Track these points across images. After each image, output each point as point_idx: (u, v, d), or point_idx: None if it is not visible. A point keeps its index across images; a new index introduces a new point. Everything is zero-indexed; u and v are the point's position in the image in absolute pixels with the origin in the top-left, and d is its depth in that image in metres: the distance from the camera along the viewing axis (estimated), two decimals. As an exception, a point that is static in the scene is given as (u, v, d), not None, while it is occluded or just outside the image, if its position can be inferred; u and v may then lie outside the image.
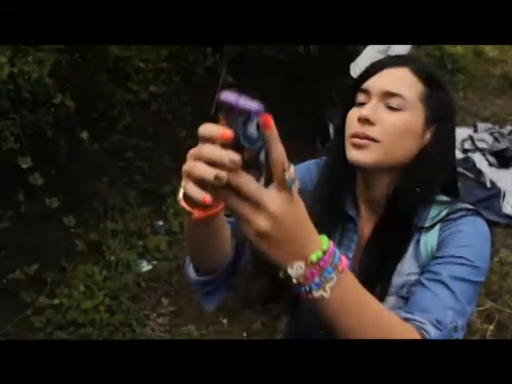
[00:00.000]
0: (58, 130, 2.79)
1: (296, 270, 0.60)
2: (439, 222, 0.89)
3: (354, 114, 0.90)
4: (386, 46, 3.69)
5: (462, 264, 0.83)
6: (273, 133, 0.54)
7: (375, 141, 0.87)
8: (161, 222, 3.23)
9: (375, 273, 0.89)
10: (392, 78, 0.90)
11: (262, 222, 0.56)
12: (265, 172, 0.57)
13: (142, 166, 3.29)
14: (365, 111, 0.88)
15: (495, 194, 3.59)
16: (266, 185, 0.57)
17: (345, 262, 0.63)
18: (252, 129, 0.54)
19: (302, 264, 0.59)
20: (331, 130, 4.04)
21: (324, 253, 0.60)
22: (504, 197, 3.55)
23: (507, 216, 3.42)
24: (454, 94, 0.90)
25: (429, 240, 0.89)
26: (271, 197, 0.56)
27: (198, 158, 0.56)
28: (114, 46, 3.17)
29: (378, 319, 0.68)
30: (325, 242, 0.61)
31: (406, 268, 0.89)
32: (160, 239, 3.10)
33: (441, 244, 0.87)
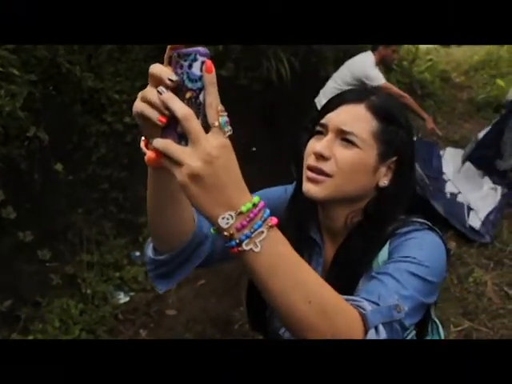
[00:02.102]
0: (31, 162, 2.76)
1: (226, 220, 0.61)
2: (389, 238, 0.93)
3: (311, 145, 0.94)
4: (350, 77, 3.77)
5: (409, 262, 0.84)
6: (212, 77, 0.61)
7: (328, 175, 0.90)
8: (138, 253, 3.20)
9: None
10: (347, 115, 0.92)
11: (194, 162, 0.58)
12: (203, 111, 0.62)
13: (117, 197, 3.27)
14: (319, 147, 0.91)
15: (458, 203, 3.67)
16: (204, 124, 0.61)
17: (275, 220, 0.64)
18: (196, 69, 0.62)
19: (232, 213, 0.61)
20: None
21: (254, 205, 0.62)
22: (470, 209, 3.63)
23: (472, 228, 3.49)
24: (413, 130, 0.92)
25: (380, 255, 0.92)
26: (208, 138, 0.59)
27: (144, 100, 0.63)
28: (88, 78, 3.18)
29: (309, 285, 0.66)
30: (256, 197, 0.63)
31: (361, 284, 0.91)
32: (137, 270, 3.07)
33: (390, 253, 0.91)
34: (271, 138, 4.22)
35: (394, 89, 3.86)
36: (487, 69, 7.56)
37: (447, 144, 5.07)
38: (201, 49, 0.63)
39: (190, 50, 0.63)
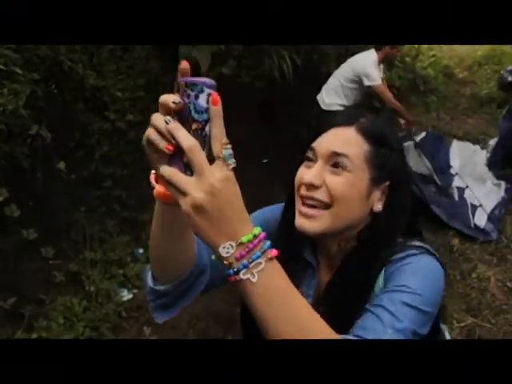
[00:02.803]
0: (34, 160, 2.77)
1: (226, 249, 0.63)
2: (384, 264, 0.89)
3: (301, 174, 0.91)
4: (352, 74, 3.79)
5: (403, 291, 0.82)
6: (218, 109, 0.62)
7: (322, 204, 0.87)
8: (141, 250, 3.21)
9: (332, 320, 0.89)
10: (338, 138, 0.89)
11: (198, 193, 0.60)
12: (208, 143, 0.64)
13: (120, 195, 3.27)
14: (308, 176, 0.88)
15: (462, 204, 3.67)
16: (209, 156, 0.63)
17: (274, 252, 0.65)
18: (202, 101, 0.63)
19: (232, 243, 0.62)
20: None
21: (254, 236, 0.64)
22: (475, 208, 3.62)
23: (477, 227, 3.48)
24: (404, 152, 0.88)
25: (376, 283, 0.89)
26: (212, 170, 0.61)
27: (153, 126, 0.65)
28: (90, 76, 3.20)
29: (302, 319, 0.67)
30: (257, 228, 0.65)
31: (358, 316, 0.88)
32: (140, 267, 3.07)
33: (386, 281, 0.87)
34: (273, 135, 4.21)
35: (387, 93, 3.85)
36: (490, 64, 7.52)
37: (451, 140, 5.05)
38: (207, 81, 0.63)
39: (197, 80, 0.63)
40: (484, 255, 3.29)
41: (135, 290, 2.96)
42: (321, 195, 0.87)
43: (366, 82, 3.70)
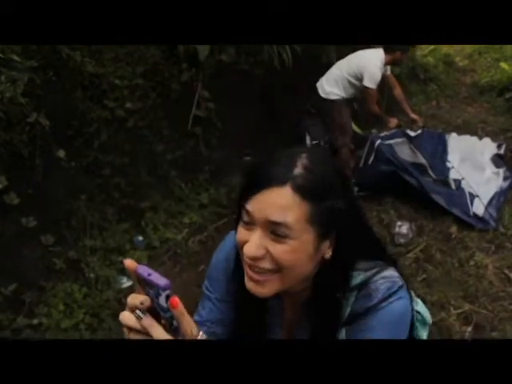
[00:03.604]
0: (33, 148, 2.77)
1: None
2: (355, 289, 0.88)
3: (242, 235, 0.84)
4: (356, 69, 3.79)
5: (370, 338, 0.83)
6: (179, 310, 0.65)
7: (269, 270, 0.82)
8: (140, 238, 3.22)
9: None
10: (273, 205, 0.78)
11: None
12: (181, 333, 0.67)
13: (119, 183, 3.28)
14: (249, 250, 0.81)
15: (460, 194, 3.67)
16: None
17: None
18: (162, 301, 0.64)
19: None
20: (308, 140, 4.10)
21: None
22: (473, 197, 3.63)
23: (476, 216, 3.49)
24: (350, 192, 0.85)
25: (347, 302, 0.88)
26: None
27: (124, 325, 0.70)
28: (89, 63, 3.19)
29: None
30: None
31: None
32: (140, 255, 3.09)
33: (352, 315, 0.87)
34: (272, 122, 4.21)
35: (373, 98, 3.85)
36: (491, 52, 7.48)
37: (450, 128, 5.05)
38: (161, 282, 0.63)
39: (152, 281, 0.64)
40: (482, 243, 3.30)
41: (135, 278, 2.98)
42: (266, 264, 0.81)
43: (365, 82, 3.72)
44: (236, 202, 0.87)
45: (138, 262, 2.58)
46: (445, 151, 4.18)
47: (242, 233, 0.84)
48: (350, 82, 3.83)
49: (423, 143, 4.07)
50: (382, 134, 4.02)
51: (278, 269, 0.81)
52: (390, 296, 0.85)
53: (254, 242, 0.80)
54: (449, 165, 4.02)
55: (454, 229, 3.43)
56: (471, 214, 3.50)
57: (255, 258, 0.81)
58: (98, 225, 3.08)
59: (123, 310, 0.70)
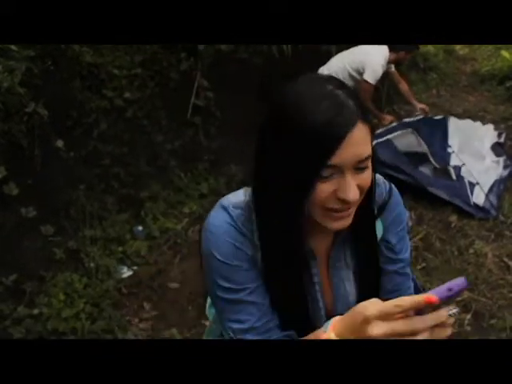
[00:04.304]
0: (31, 138, 2.76)
1: None
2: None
3: (325, 189, 0.81)
4: (358, 63, 3.78)
5: (404, 228, 1.03)
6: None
7: (356, 202, 0.85)
8: (140, 228, 3.23)
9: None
10: (360, 142, 0.79)
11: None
12: None
13: (118, 173, 3.28)
14: (353, 196, 0.81)
15: (461, 184, 3.67)
16: None
17: None
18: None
19: None
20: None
21: None
22: (473, 185, 3.62)
23: (476, 206, 3.49)
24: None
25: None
26: None
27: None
28: (87, 53, 3.17)
29: None
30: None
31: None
32: (140, 244, 3.10)
33: (386, 229, 1.02)
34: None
35: (368, 94, 3.86)
36: (492, 40, 7.43)
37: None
38: (463, 285, 0.68)
39: (455, 293, 0.68)
40: (481, 231, 3.30)
41: (135, 267, 2.99)
42: (355, 203, 0.85)
43: (365, 76, 3.71)
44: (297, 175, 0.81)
45: (138, 252, 2.57)
46: (445, 136, 4.16)
47: (322, 188, 0.81)
48: (350, 75, 3.82)
49: (423, 129, 4.06)
50: (379, 131, 3.98)
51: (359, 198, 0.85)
52: (389, 189, 1.03)
53: (352, 187, 0.81)
54: (449, 150, 4.00)
55: (453, 217, 3.43)
56: (471, 203, 3.49)
57: (355, 200, 0.83)
58: (97, 215, 3.08)
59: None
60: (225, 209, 0.92)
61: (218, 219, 0.92)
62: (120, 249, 3.02)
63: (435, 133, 4.14)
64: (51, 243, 2.81)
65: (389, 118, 4.14)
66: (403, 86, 4.29)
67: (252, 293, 0.91)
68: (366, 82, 3.75)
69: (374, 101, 4.22)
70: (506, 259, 3.04)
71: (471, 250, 3.11)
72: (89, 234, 2.95)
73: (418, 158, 3.81)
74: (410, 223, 3.37)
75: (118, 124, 3.35)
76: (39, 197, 2.84)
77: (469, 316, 2.65)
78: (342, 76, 3.83)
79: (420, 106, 4.33)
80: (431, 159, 3.84)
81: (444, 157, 3.93)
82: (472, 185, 3.62)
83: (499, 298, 2.76)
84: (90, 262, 2.83)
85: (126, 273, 2.94)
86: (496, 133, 4.40)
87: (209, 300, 1.16)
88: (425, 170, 3.79)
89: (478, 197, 3.54)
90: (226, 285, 0.90)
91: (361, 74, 3.78)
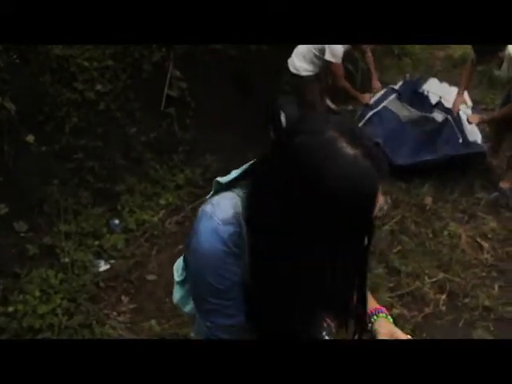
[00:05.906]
0: (0, 134, 2.71)
1: None
2: None
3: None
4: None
5: None
6: None
7: None
8: (117, 221, 3.20)
9: None
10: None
11: None
12: None
13: (93, 166, 3.24)
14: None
15: (448, 129, 3.74)
16: None
17: None
18: None
19: None
20: (283, 118, 4.08)
21: None
22: (458, 124, 3.71)
23: (465, 141, 3.61)
24: None
25: None
26: None
27: None
28: (56, 46, 3.12)
29: None
30: None
31: None
32: (117, 238, 3.08)
33: None
34: (246, 102, 4.18)
35: (340, 72, 3.87)
36: (465, 25, 7.50)
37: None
38: None
39: None
40: (455, 213, 3.36)
41: (112, 261, 2.97)
42: None
43: (326, 56, 3.69)
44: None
45: (115, 246, 2.56)
46: (426, 96, 4.26)
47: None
48: (315, 55, 3.79)
49: (406, 93, 4.19)
50: (374, 99, 4.07)
51: None
52: None
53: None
54: (425, 92, 4.18)
55: (428, 200, 3.48)
56: (460, 140, 3.60)
57: None
58: (72, 209, 3.05)
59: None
60: (214, 230, 0.88)
61: (209, 242, 0.88)
62: (96, 243, 3.00)
63: (416, 94, 4.27)
64: (24, 239, 2.78)
65: (367, 96, 4.14)
66: (368, 56, 4.26)
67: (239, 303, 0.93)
68: (331, 62, 3.73)
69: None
70: (478, 239, 3.10)
71: (445, 232, 3.16)
72: (64, 229, 2.92)
73: (410, 124, 3.96)
74: (386, 207, 3.41)
75: (91, 117, 3.31)
76: (11, 193, 2.80)
77: (443, 296, 2.70)
78: (309, 58, 3.81)
79: (374, 82, 4.34)
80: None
81: (424, 105, 4.11)
82: (457, 123, 3.71)
83: (472, 277, 2.81)
84: (65, 257, 2.80)
85: (103, 266, 2.92)
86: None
87: (176, 286, 1.16)
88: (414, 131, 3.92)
89: (471, 134, 3.66)
90: (214, 300, 0.92)
91: (323, 52, 3.75)
